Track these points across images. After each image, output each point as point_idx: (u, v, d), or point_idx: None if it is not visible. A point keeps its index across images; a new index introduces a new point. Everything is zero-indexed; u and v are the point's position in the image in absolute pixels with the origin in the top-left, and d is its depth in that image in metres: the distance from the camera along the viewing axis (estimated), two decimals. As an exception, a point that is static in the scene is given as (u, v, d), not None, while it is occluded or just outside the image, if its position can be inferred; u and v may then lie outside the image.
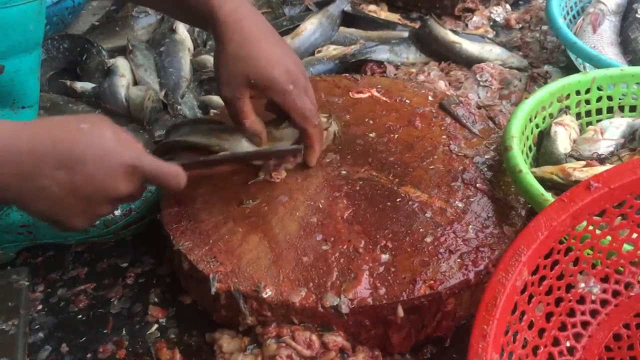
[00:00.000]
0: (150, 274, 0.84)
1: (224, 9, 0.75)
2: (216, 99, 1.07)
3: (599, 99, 0.91)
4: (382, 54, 1.16)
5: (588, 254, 0.64)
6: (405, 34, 1.22)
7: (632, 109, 0.92)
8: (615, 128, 0.87)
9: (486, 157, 0.86)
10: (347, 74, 1.06)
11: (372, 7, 1.38)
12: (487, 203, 0.79)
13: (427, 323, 0.70)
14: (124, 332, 0.76)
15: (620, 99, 0.91)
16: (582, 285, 0.65)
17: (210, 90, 1.12)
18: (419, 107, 0.96)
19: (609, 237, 0.64)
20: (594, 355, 0.65)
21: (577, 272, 0.64)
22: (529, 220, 0.60)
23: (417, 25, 1.28)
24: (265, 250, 0.73)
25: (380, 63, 1.15)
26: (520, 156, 0.76)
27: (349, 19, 1.28)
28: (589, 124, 0.92)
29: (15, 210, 0.80)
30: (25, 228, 0.82)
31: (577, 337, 0.65)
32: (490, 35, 1.27)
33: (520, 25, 1.32)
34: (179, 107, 1.05)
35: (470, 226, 0.75)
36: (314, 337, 0.68)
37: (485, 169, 0.84)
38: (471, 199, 0.79)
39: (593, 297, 0.66)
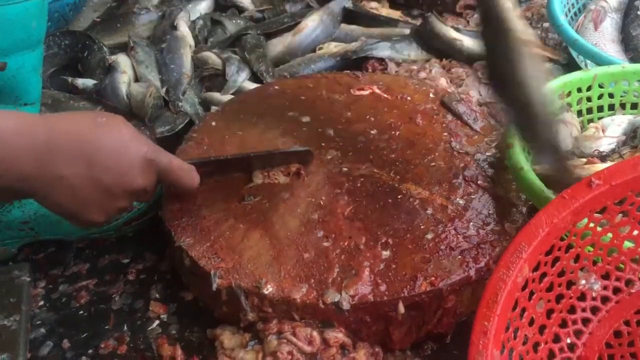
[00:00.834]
0: (152, 270, 0.84)
1: None
2: (217, 96, 1.07)
3: (600, 97, 0.91)
4: (383, 50, 1.16)
5: (589, 251, 0.64)
6: (407, 31, 1.22)
7: (634, 106, 0.92)
8: (616, 125, 0.87)
9: (487, 154, 0.86)
10: (348, 71, 1.06)
11: (374, 4, 1.37)
12: (488, 200, 0.79)
13: (427, 319, 0.70)
14: (125, 328, 0.77)
15: (621, 97, 0.91)
16: (583, 282, 0.65)
17: (211, 87, 1.12)
18: (420, 104, 0.96)
19: (609, 234, 0.64)
20: (594, 351, 0.65)
21: (577, 269, 0.65)
22: (530, 217, 0.60)
23: (418, 22, 1.28)
24: (267, 246, 0.73)
25: (381, 60, 1.15)
26: (521, 153, 0.76)
27: (350, 16, 1.28)
28: (590, 121, 0.92)
29: (17, 206, 0.81)
30: (27, 224, 0.82)
31: (578, 333, 0.65)
32: (492, 33, 1.26)
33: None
34: (180, 103, 1.05)
35: (471, 223, 0.75)
36: (314, 334, 0.68)
37: (487, 166, 0.84)
38: (472, 196, 0.79)
39: (594, 294, 0.66)
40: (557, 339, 0.64)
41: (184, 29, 1.19)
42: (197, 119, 1.02)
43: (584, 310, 0.65)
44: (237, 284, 0.69)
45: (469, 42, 1.15)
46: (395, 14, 1.34)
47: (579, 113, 0.92)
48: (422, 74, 1.12)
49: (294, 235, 0.74)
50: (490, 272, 0.69)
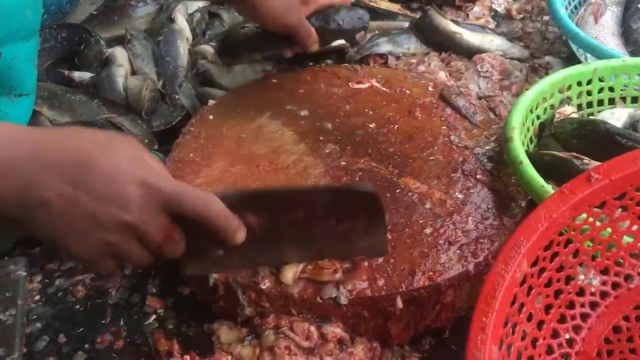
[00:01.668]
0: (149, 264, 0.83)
1: None
2: (213, 91, 1.06)
3: (600, 90, 0.91)
4: (384, 46, 1.15)
5: (588, 246, 0.64)
6: (406, 24, 1.21)
7: (634, 100, 0.91)
8: (616, 119, 0.86)
9: (486, 148, 0.86)
10: (347, 64, 1.06)
11: (373, -4, 1.37)
12: (487, 194, 0.78)
13: (426, 314, 0.70)
14: (122, 322, 0.76)
15: (622, 90, 0.91)
16: (582, 277, 0.65)
17: (208, 80, 1.11)
18: (419, 98, 0.95)
19: (609, 229, 0.64)
20: (593, 347, 0.65)
21: (576, 264, 0.64)
22: (529, 212, 0.60)
23: (417, 15, 1.27)
24: (264, 241, 0.73)
25: (381, 54, 1.15)
26: (521, 147, 0.75)
27: (349, 9, 1.27)
28: (590, 115, 0.92)
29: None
30: (23, 218, 0.81)
31: (577, 329, 0.65)
32: (491, 26, 1.26)
33: (522, 16, 1.31)
34: (176, 96, 1.05)
35: (470, 217, 0.75)
36: (312, 328, 0.68)
37: (486, 160, 0.84)
38: (471, 191, 0.79)
39: (592, 289, 0.65)
40: (555, 334, 0.63)
41: (181, 22, 1.18)
42: (194, 112, 1.02)
43: (582, 305, 0.65)
44: (235, 278, 0.69)
45: (468, 36, 1.15)
46: (394, 7, 1.33)
47: (579, 107, 0.91)
48: (421, 68, 1.12)
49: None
50: (489, 266, 0.68)
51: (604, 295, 0.66)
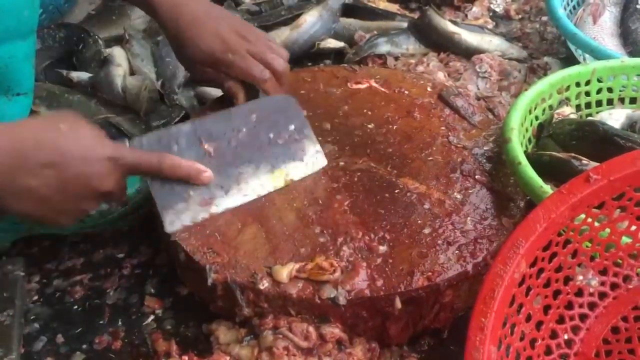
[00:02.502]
0: (147, 264, 0.83)
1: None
2: (212, 91, 1.06)
3: (599, 91, 0.91)
4: (383, 46, 1.15)
5: (587, 247, 0.64)
6: (404, 25, 1.21)
7: (633, 100, 0.91)
8: (614, 120, 0.86)
9: (485, 148, 0.86)
10: (346, 65, 1.06)
11: (372, -4, 1.37)
12: (486, 195, 0.78)
13: (424, 315, 0.70)
14: (120, 323, 0.76)
15: (620, 91, 0.91)
16: (581, 277, 0.65)
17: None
18: (418, 98, 0.95)
19: (607, 230, 0.64)
20: (591, 348, 0.65)
21: (575, 264, 0.64)
22: (527, 212, 0.60)
23: (416, 15, 1.27)
24: (263, 241, 0.73)
25: (380, 54, 1.15)
26: (519, 148, 0.75)
27: (347, 9, 1.27)
28: (589, 115, 0.92)
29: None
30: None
31: (575, 329, 0.65)
32: (490, 26, 1.26)
33: (520, 16, 1.32)
34: (175, 97, 1.05)
35: (469, 218, 0.75)
36: (311, 329, 0.68)
37: (484, 160, 0.84)
38: (470, 191, 0.79)
39: (591, 290, 0.65)
40: (554, 334, 0.63)
41: (180, 22, 1.18)
42: (192, 113, 1.01)
43: (581, 306, 0.65)
44: (233, 278, 0.69)
45: (467, 36, 1.15)
46: (393, 7, 1.33)
47: (578, 107, 0.91)
48: (420, 68, 1.12)
49: (291, 230, 0.74)
50: (487, 267, 0.68)
51: (602, 295, 0.66)
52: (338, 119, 0.91)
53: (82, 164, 0.61)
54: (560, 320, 0.64)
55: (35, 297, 0.79)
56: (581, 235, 0.63)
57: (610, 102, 0.92)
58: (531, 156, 0.78)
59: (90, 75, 1.08)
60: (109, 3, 1.33)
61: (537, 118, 0.87)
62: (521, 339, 0.59)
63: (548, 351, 0.62)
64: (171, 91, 1.06)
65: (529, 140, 0.86)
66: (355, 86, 0.98)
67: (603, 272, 0.66)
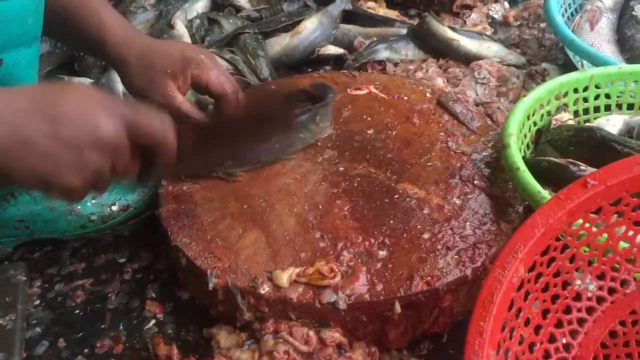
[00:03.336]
0: (148, 269, 0.84)
1: (114, 36, 0.81)
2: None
3: (596, 97, 0.92)
4: (382, 52, 1.16)
5: (584, 251, 0.65)
6: (404, 31, 1.22)
7: (630, 106, 0.92)
8: (612, 126, 0.87)
9: (484, 154, 0.86)
10: (345, 71, 1.06)
11: (371, 3, 1.38)
12: (485, 200, 0.79)
13: (424, 319, 0.70)
14: (121, 327, 0.76)
15: (618, 97, 0.91)
16: (579, 282, 0.65)
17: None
18: (417, 104, 0.96)
19: (605, 235, 0.64)
20: (589, 352, 0.65)
21: (573, 269, 0.65)
22: (526, 217, 0.60)
23: (415, 22, 1.28)
24: (263, 246, 0.73)
25: (379, 61, 1.15)
26: (518, 154, 0.76)
27: (347, 16, 1.28)
28: (586, 121, 0.92)
29: (13, 204, 0.80)
30: (23, 223, 0.82)
31: (573, 334, 0.65)
32: (489, 32, 1.27)
33: (519, 23, 1.32)
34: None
35: (468, 223, 0.75)
36: (311, 333, 0.68)
37: (483, 166, 0.84)
38: (469, 196, 0.79)
39: (589, 294, 0.66)
40: (552, 339, 0.64)
41: (180, 28, 1.19)
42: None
43: (579, 310, 0.66)
44: (234, 283, 0.69)
45: (465, 42, 1.16)
46: (392, 14, 1.34)
47: (576, 114, 0.92)
48: (419, 74, 1.12)
49: (291, 234, 0.74)
50: (486, 271, 0.69)
51: (600, 300, 0.66)
52: (338, 124, 0.92)
53: (76, 109, 0.59)
54: (559, 324, 0.65)
55: (37, 302, 0.80)
56: (579, 240, 0.63)
57: (607, 108, 0.92)
58: (529, 162, 0.78)
59: (92, 81, 1.09)
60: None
61: (535, 124, 0.88)
62: (520, 343, 0.59)
63: (546, 355, 0.62)
64: (172, 97, 1.06)
65: (527, 145, 0.87)
66: (354, 92, 0.99)
67: (601, 276, 0.66)
